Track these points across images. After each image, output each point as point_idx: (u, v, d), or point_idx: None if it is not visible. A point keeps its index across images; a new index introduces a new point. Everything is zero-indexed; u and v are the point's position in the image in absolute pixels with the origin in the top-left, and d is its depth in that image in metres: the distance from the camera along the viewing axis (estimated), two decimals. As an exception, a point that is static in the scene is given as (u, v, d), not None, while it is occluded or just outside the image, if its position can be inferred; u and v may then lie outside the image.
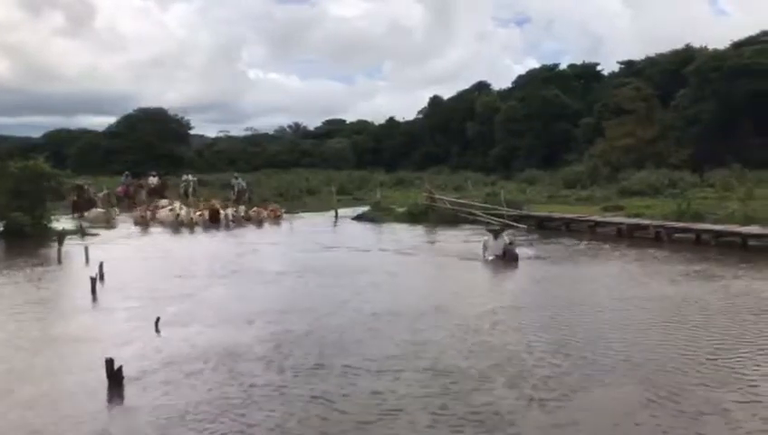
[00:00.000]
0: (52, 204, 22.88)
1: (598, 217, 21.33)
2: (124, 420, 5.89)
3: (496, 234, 14.96)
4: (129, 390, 6.51)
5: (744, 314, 9.24)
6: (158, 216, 24.01)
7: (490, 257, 14.39)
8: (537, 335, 8.33)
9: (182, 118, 73.45)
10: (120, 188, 31.64)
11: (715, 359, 7.16)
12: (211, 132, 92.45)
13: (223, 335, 8.54)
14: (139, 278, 13.19)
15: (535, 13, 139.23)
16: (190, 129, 75.45)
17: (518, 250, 14.65)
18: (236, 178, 32.59)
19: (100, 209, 26.59)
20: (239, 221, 24.00)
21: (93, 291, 11.33)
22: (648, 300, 10.30)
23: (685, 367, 6.89)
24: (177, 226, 22.32)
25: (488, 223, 21.35)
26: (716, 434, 5.35)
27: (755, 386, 6.32)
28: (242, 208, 25.45)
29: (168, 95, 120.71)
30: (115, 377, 6.60)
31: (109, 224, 24.17)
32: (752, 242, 15.51)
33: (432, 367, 7.06)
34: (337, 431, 5.51)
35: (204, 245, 19.19)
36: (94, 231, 21.76)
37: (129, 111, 72.70)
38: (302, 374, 6.91)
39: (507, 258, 14.13)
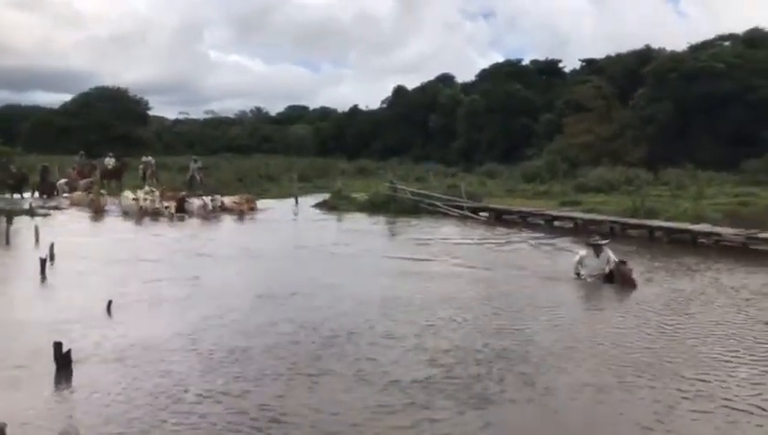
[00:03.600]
0: None
1: (555, 212, 21.73)
2: (71, 404, 5.74)
3: (598, 249, 11.41)
4: (78, 374, 6.35)
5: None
6: (121, 203, 22.74)
7: (589, 279, 11.27)
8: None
9: (141, 98, 71.90)
10: (73, 169, 30.61)
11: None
12: (171, 114, 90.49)
13: (176, 321, 8.40)
14: (91, 261, 12.85)
15: (500, 7, 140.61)
16: (149, 109, 73.93)
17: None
18: (195, 160, 31.87)
19: (81, 193, 25.55)
20: (207, 211, 22.16)
21: (43, 272, 11.00)
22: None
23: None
24: (141, 214, 21.24)
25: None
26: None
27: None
28: (217, 197, 23.79)
29: (126, 75, 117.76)
30: (63, 361, 6.42)
31: (95, 208, 23.02)
32: (701, 239, 16.02)
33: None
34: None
35: (163, 233, 18.57)
36: (45, 211, 21.10)
37: (86, 89, 70.83)
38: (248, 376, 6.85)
39: (619, 280, 10.84)
